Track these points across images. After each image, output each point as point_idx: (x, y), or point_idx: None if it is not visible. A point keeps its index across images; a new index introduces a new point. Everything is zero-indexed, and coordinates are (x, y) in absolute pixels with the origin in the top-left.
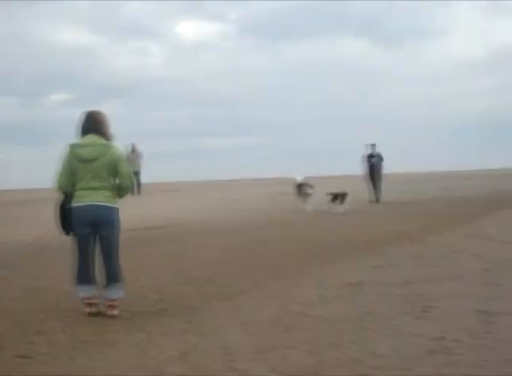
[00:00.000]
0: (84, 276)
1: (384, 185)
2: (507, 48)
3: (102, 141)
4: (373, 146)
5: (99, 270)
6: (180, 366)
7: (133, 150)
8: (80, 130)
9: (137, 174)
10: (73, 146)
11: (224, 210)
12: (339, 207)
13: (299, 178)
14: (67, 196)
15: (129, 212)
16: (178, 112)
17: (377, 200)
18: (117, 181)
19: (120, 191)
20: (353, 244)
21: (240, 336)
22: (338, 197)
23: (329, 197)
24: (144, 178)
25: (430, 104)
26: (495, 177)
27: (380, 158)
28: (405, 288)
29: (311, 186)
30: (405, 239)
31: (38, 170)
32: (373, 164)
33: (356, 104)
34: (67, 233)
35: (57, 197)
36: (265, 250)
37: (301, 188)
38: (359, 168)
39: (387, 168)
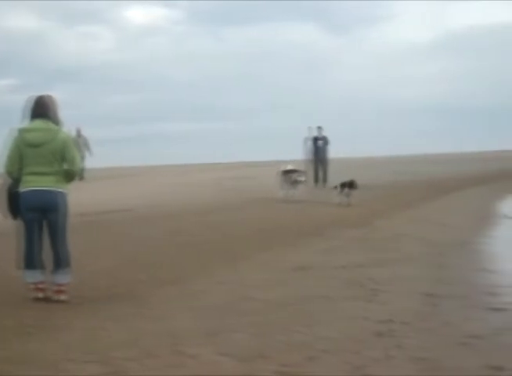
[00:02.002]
0: (31, 261)
1: (330, 169)
2: (452, 34)
3: (51, 126)
4: (319, 128)
5: (47, 255)
6: (129, 350)
7: (78, 135)
8: (28, 114)
9: (81, 159)
10: (21, 131)
11: (175, 195)
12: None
13: (288, 165)
14: (15, 180)
15: (79, 197)
16: (128, 97)
17: (324, 185)
18: (65, 166)
19: (67, 176)
20: (301, 228)
21: (188, 320)
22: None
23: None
24: (97, 163)
25: (377, 89)
26: (443, 162)
27: (325, 141)
28: (352, 272)
29: (303, 173)
30: (352, 223)
31: None
32: (319, 147)
33: (304, 89)
34: (15, 217)
35: (4, 181)
36: (213, 234)
37: (288, 175)
38: (302, 151)
39: (334, 152)
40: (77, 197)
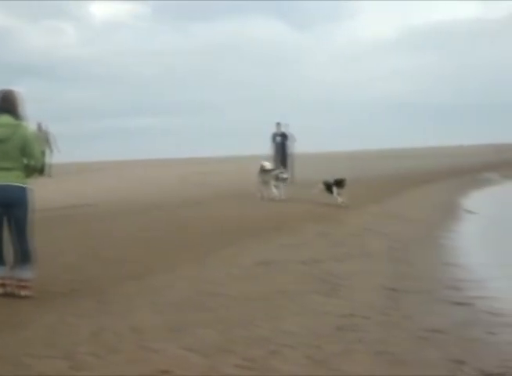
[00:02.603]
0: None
1: (295, 165)
2: (415, 31)
3: (14, 121)
4: (279, 124)
5: (9, 250)
6: (91, 345)
7: (39, 130)
8: None
9: (43, 154)
10: None
11: (141, 190)
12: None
13: (267, 164)
14: None
15: (44, 192)
16: (94, 92)
17: (291, 181)
18: (26, 161)
19: (29, 171)
20: (266, 223)
21: (151, 316)
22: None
23: (322, 186)
24: (62, 158)
25: (342, 86)
26: (407, 157)
27: (285, 137)
28: (314, 266)
29: (286, 171)
30: (314, 218)
31: None
32: (283, 143)
33: (270, 85)
34: None
35: None
36: (178, 230)
37: (269, 174)
38: (268, 148)
39: (299, 147)
40: (42, 192)
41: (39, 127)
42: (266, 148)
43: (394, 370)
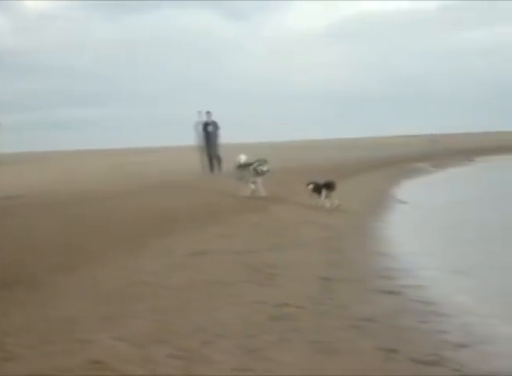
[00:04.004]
0: None
1: (224, 154)
2: (347, 20)
3: None
4: (208, 113)
5: None
6: (25, 336)
7: None
8: None
9: None
10: None
11: (75, 180)
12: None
13: (243, 158)
14: None
15: None
16: (29, 83)
17: (218, 170)
18: None
19: None
20: (201, 213)
21: (85, 306)
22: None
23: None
24: None
25: (275, 76)
26: (338, 147)
27: (215, 126)
28: (248, 256)
29: (265, 162)
30: (248, 208)
31: None
32: (209, 132)
33: (204, 75)
34: None
35: None
36: (111, 219)
37: (247, 169)
38: (193, 137)
39: (228, 137)
40: None
41: None
42: (195, 137)
43: (327, 359)
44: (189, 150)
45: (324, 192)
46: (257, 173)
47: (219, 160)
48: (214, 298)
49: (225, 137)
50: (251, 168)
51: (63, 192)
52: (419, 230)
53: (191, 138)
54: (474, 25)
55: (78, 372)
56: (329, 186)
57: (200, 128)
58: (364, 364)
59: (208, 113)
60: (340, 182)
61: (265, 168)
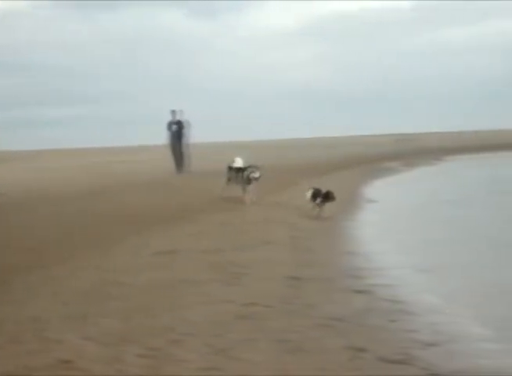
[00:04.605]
0: None
1: (192, 154)
2: (320, 19)
3: None
4: (179, 112)
5: None
6: None
7: None
8: None
9: None
10: None
11: (50, 179)
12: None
13: (239, 161)
14: None
15: None
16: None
17: (183, 170)
18: None
19: None
20: (168, 213)
21: (54, 305)
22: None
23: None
24: None
25: (246, 74)
26: (307, 146)
27: (182, 125)
28: (218, 255)
29: (257, 168)
30: (216, 207)
31: None
32: (180, 131)
33: (176, 74)
34: None
35: None
36: (83, 219)
37: (239, 173)
38: (164, 136)
39: (199, 136)
40: None
41: None
42: (166, 136)
43: (294, 358)
44: (164, 149)
45: (320, 200)
46: (250, 180)
47: (187, 160)
48: (183, 297)
49: (194, 136)
50: (244, 174)
51: (36, 191)
52: (389, 229)
53: (162, 137)
54: (447, 24)
55: (47, 372)
56: (327, 196)
57: (173, 127)
58: (332, 363)
59: (174, 112)
60: (311, 181)
61: (257, 175)
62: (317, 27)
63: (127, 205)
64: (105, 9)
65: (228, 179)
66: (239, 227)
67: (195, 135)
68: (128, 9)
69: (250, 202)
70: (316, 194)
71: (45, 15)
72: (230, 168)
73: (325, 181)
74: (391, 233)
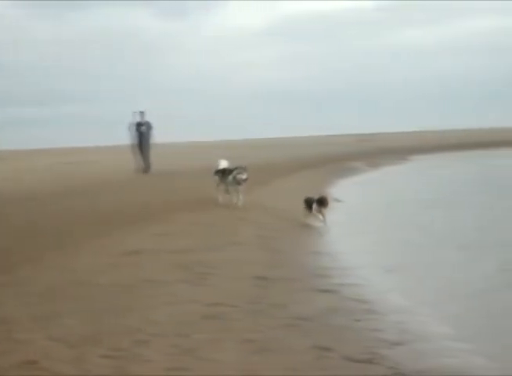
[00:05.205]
0: None
1: (156, 154)
2: (286, 19)
3: None
4: (142, 113)
5: None
6: None
7: None
8: None
9: None
10: None
11: (17, 180)
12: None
13: (223, 163)
14: None
15: None
16: None
17: (147, 170)
18: None
19: None
20: (135, 212)
21: (18, 306)
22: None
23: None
24: None
25: (214, 74)
26: (273, 146)
27: (149, 126)
28: (183, 255)
29: (244, 169)
30: (187, 207)
31: None
32: (142, 132)
33: (142, 75)
34: None
35: None
36: (51, 219)
37: (226, 175)
38: (126, 137)
39: (160, 137)
40: None
41: None
42: (128, 137)
43: (261, 358)
44: (127, 150)
45: (316, 207)
46: (237, 182)
47: (148, 161)
48: (149, 297)
49: (158, 137)
50: (231, 176)
51: (3, 191)
52: (354, 229)
53: (126, 138)
54: (411, 24)
55: (12, 372)
56: (322, 202)
57: (134, 128)
58: (298, 363)
59: (142, 113)
60: (276, 182)
61: (244, 177)
62: (283, 27)
63: (95, 205)
64: (75, 8)
65: (217, 184)
66: (209, 227)
67: (157, 136)
68: (98, 9)
69: (239, 204)
70: (309, 203)
71: (14, 14)
72: (217, 172)
73: (292, 180)
74: (356, 232)
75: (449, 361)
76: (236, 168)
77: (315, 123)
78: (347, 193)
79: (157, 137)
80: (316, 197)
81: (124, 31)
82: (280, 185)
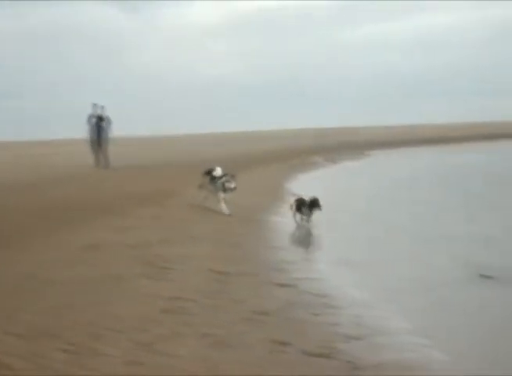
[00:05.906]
0: None
1: (114, 148)
2: (242, 15)
3: None
4: (101, 107)
5: None
6: None
7: None
8: None
9: None
10: None
11: None
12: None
13: (218, 169)
14: None
15: None
16: None
17: (106, 165)
18: None
19: None
20: (94, 206)
21: None
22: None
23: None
24: None
25: (172, 69)
26: (231, 141)
27: (107, 121)
28: (142, 250)
29: (233, 177)
30: (145, 201)
31: None
32: (100, 126)
33: (102, 68)
34: None
35: None
36: (6, 214)
37: (213, 181)
38: (84, 130)
39: (116, 131)
40: None
41: None
42: (87, 130)
43: (218, 352)
44: (84, 143)
45: (306, 210)
46: (225, 189)
47: (107, 155)
48: (107, 292)
49: (114, 131)
50: (220, 182)
51: None
52: (312, 224)
53: (84, 131)
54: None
55: None
56: (314, 204)
57: (93, 121)
58: (255, 357)
59: (96, 105)
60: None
61: (232, 186)
62: (239, 24)
63: (52, 200)
64: (34, 5)
65: (200, 186)
66: (168, 222)
67: (114, 131)
68: (57, 6)
69: (226, 211)
70: (301, 205)
71: None
72: (206, 174)
73: (250, 175)
74: (315, 227)
75: (407, 355)
76: (224, 175)
77: (272, 117)
78: (306, 188)
79: (113, 132)
80: (308, 198)
81: (80, 27)
82: (241, 180)
